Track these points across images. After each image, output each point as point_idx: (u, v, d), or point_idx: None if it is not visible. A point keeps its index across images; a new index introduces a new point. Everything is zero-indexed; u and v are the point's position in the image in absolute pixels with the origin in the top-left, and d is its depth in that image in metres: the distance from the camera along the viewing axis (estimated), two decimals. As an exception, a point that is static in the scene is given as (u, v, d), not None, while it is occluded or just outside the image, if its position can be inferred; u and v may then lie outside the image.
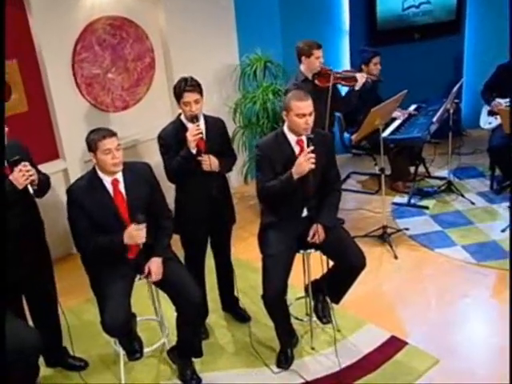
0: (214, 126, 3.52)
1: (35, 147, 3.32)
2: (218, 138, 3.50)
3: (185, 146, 3.33)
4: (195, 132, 3.30)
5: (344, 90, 4.84)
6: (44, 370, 3.48)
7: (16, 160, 2.93)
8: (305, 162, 3.11)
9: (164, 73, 5.16)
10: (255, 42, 5.30)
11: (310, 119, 3.18)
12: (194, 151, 3.32)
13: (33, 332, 2.92)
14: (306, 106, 3.15)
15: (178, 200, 3.61)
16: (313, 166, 3.11)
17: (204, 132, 3.39)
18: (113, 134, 3.08)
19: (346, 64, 5.99)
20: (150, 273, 3.20)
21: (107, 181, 3.12)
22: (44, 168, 3.41)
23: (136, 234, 3.06)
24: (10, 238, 2.98)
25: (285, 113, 3.24)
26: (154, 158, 3.94)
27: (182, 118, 3.44)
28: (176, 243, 3.51)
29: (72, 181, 3.48)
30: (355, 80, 4.42)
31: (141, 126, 5.06)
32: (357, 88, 4.44)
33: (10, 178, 2.91)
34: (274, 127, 4.93)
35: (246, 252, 4.29)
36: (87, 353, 3.62)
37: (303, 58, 4.42)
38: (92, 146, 3.07)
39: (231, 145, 3.73)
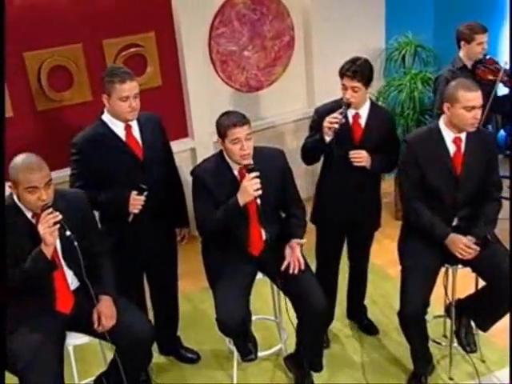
0: (379, 116, 3.14)
1: (165, 124, 3.15)
2: (379, 129, 3.11)
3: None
4: (333, 120, 2.95)
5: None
6: (157, 357, 3.36)
7: (142, 188, 2.85)
8: None
9: (303, 53, 4.82)
10: (405, 24, 4.79)
11: (479, 113, 2.76)
12: (327, 139, 2.99)
13: (147, 323, 2.76)
14: (476, 97, 2.75)
15: (317, 185, 3.33)
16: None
17: (364, 120, 3.09)
18: (245, 121, 2.78)
19: (507, 56, 5.30)
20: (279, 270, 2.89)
21: (235, 168, 2.87)
22: (172, 146, 3.23)
23: (248, 184, 2.74)
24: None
25: (448, 105, 2.80)
26: (286, 144, 3.66)
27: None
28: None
29: (199, 161, 3.26)
30: None
31: (274, 109, 4.78)
32: None
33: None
34: (419, 120, 4.47)
35: (379, 256, 3.84)
36: (200, 345, 3.45)
37: (463, 43, 3.95)
38: (221, 131, 2.81)
39: (396, 144, 3.16)
